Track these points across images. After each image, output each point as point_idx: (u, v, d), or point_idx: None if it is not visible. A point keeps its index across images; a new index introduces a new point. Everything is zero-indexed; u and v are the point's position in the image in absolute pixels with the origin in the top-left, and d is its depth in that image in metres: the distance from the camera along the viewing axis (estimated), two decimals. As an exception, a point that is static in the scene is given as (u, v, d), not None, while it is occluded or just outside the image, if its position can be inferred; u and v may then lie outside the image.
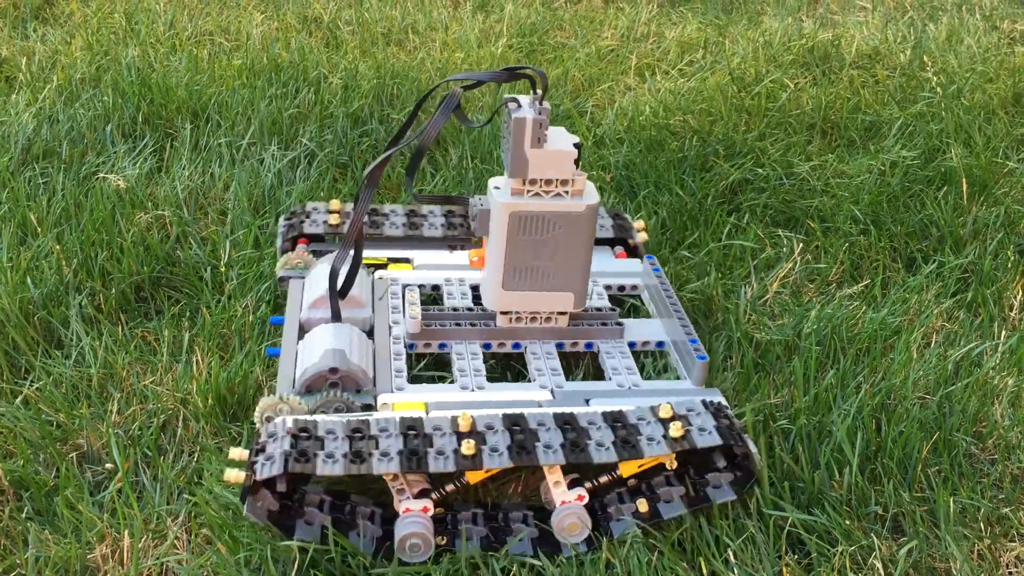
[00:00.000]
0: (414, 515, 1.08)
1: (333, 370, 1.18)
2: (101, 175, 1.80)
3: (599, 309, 1.41)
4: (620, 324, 1.38)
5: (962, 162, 1.91)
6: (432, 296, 1.52)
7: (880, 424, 1.28)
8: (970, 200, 1.82)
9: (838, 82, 2.41)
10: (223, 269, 1.56)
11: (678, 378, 1.34)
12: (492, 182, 1.31)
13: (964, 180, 1.83)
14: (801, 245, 1.71)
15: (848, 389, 1.35)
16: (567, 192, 1.26)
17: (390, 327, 1.36)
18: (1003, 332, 1.49)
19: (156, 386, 1.33)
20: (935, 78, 2.43)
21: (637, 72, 2.57)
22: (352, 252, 1.27)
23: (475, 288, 1.48)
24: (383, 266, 1.51)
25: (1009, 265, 1.64)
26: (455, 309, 1.39)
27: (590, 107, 2.29)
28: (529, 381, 1.31)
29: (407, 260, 1.52)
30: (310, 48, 2.53)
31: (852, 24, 2.91)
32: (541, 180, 1.25)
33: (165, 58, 2.39)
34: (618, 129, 2.12)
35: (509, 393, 1.25)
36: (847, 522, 1.15)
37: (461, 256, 1.55)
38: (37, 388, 1.31)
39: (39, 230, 1.64)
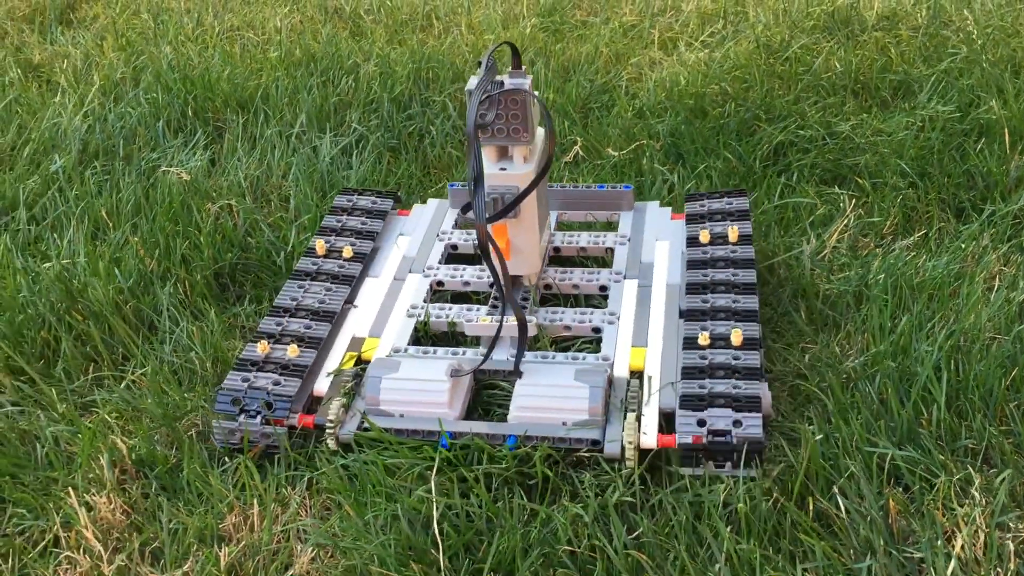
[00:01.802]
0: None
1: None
2: (163, 168, 1.83)
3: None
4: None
5: (1001, 113, 1.95)
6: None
7: (958, 364, 1.33)
8: (1012, 149, 1.87)
9: (864, 44, 2.45)
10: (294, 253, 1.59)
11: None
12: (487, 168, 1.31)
13: (1007, 132, 1.87)
14: (853, 201, 1.75)
15: (923, 332, 1.39)
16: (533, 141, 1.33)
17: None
18: (1062, 272, 1.54)
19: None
20: (955, 36, 2.47)
21: (660, 46, 2.61)
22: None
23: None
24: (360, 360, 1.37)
25: (1060, 208, 1.69)
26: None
27: (625, 80, 2.33)
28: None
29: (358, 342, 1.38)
30: (338, 39, 2.56)
31: (865, -12, 2.96)
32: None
33: (199, 55, 2.42)
34: (659, 98, 2.16)
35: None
36: (941, 456, 1.19)
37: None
38: (142, 373, 1.35)
39: (110, 225, 1.67)
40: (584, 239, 1.54)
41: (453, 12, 2.85)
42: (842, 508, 1.12)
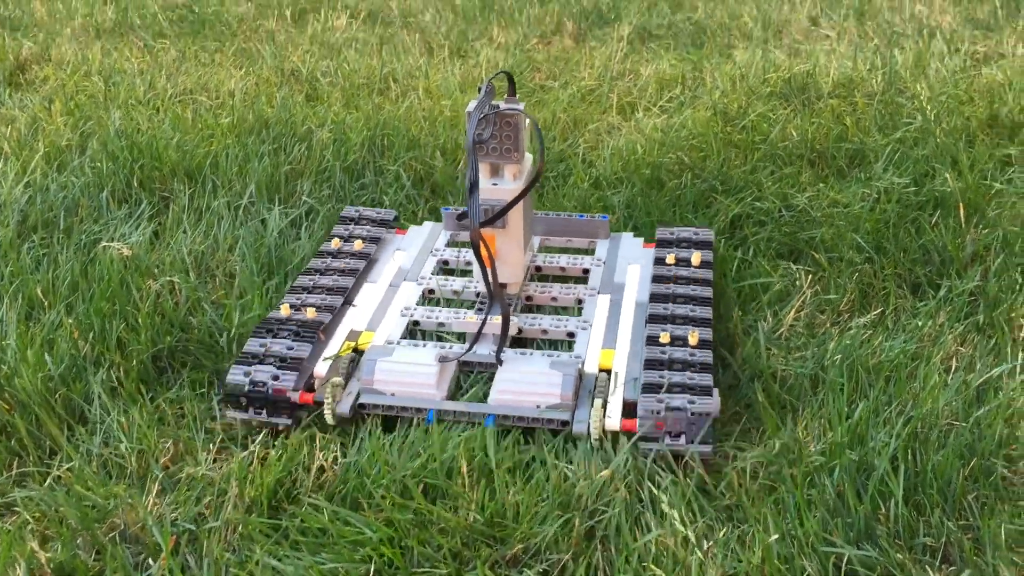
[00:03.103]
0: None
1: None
2: (104, 244, 1.77)
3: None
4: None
5: (955, 186, 1.95)
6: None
7: (916, 454, 1.30)
8: (967, 223, 1.87)
9: (819, 112, 2.46)
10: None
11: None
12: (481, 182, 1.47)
13: (962, 206, 1.87)
14: (809, 277, 1.73)
15: (880, 419, 1.36)
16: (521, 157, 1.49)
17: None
18: (1020, 354, 1.52)
19: (193, 468, 1.31)
20: (910, 103, 2.49)
21: (619, 110, 2.61)
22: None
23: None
24: (356, 349, 1.50)
25: (1017, 287, 1.67)
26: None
27: (581, 148, 2.31)
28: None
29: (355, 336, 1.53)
30: (293, 103, 2.53)
31: (821, 52, 2.98)
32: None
33: (149, 120, 2.37)
34: (615, 168, 2.14)
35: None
36: (899, 556, 1.15)
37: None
38: (68, 468, 1.28)
39: (46, 303, 1.61)
40: (564, 260, 1.72)
41: (411, 75, 2.84)
42: (798, 615, 1.08)
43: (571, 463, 1.29)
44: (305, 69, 2.82)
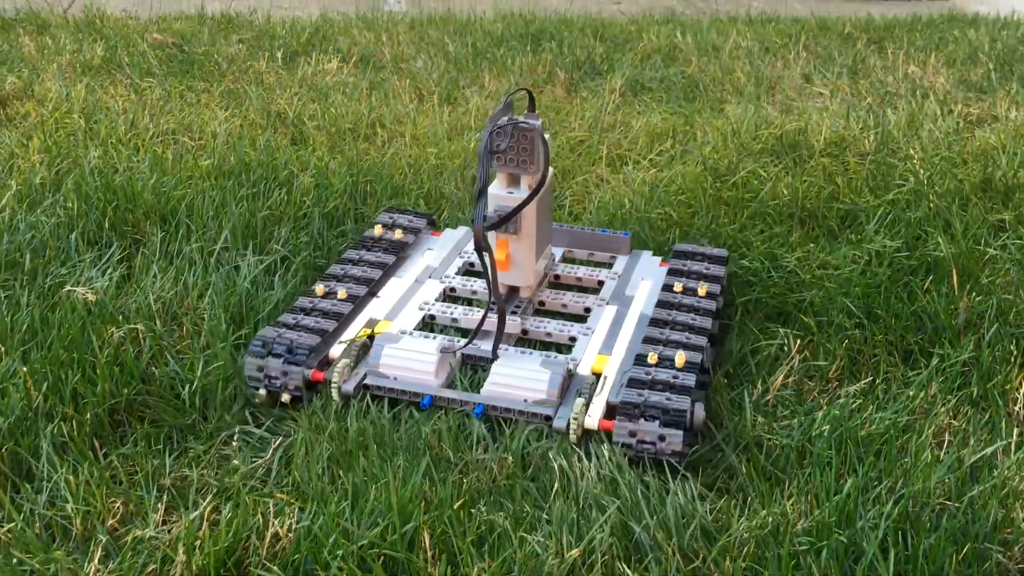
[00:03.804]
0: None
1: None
2: (68, 288, 1.71)
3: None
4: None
5: (948, 251, 1.91)
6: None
7: (906, 536, 1.23)
8: (960, 289, 1.82)
9: (811, 171, 2.42)
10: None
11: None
12: (492, 189, 1.59)
13: (955, 272, 1.82)
14: (798, 342, 1.68)
15: (869, 496, 1.30)
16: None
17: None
18: (1014, 430, 1.46)
19: (141, 530, 1.23)
20: (902, 164, 2.46)
21: (608, 163, 2.57)
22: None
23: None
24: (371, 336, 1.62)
25: (1012, 359, 1.62)
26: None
27: (568, 200, 2.27)
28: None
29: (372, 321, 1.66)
30: (277, 146, 2.49)
31: (813, 110, 2.96)
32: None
33: (128, 160, 2.32)
34: (601, 222, 2.09)
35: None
36: (888, 647, 1.08)
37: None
38: (8, 530, 1.21)
39: (2, 350, 1.54)
40: (581, 271, 1.83)
41: (399, 121, 2.80)
42: None
43: (545, 529, 1.21)
44: (292, 112, 2.78)
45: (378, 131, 2.71)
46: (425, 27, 4.12)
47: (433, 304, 1.70)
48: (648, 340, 1.55)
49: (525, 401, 1.41)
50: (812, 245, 2.04)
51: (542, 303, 1.73)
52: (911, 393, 1.55)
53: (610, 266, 1.88)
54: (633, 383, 1.42)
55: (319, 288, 1.66)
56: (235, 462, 1.35)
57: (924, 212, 2.15)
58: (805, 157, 2.52)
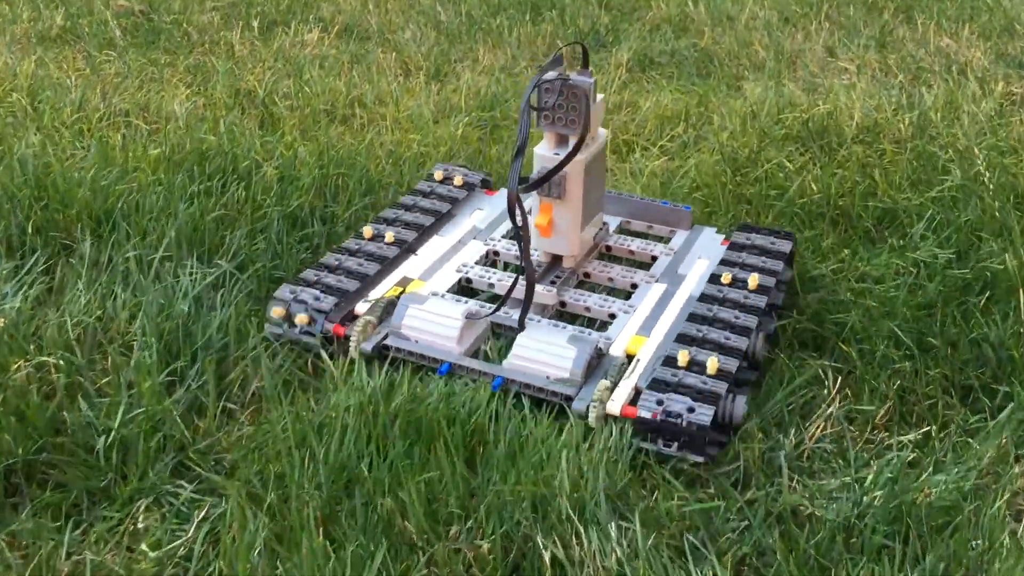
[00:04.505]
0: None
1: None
2: (-28, 310, 1.44)
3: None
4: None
5: (1010, 263, 1.63)
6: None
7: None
8: (1026, 312, 1.55)
9: (842, 161, 2.14)
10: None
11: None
12: (538, 149, 1.50)
13: (1021, 289, 1.55)
14: (838, 379, 1.41)
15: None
16: (598, 131, 1.52)
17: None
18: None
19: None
20: (943, 152, 2.18)
21: (613, 149, 2.29)
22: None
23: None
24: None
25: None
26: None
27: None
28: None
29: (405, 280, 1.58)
30: (242, 130, 2.21)
31: (840, 88, 2.67)
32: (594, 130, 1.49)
33: (71, 147, 2.05)
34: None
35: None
36: None
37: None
38: None
39: None
40: (635, 244, 1.69)
41: (380, 100, 2.52)
42: None
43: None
44: (262, 90, 2.50)
45: (357, 112, 2.43)
46: (416, -7, 3.82)
47: (472, 267, 1.61)
48: (680, 339, 1.41)
49: (547, 378, 1.33)
50: (847, 251, 1.77)
51: (587, 275, 1.62)
52: (977, 448, 1.28)
53: (668, 241, 1.73)
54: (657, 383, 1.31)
55: (367, 231, 1.64)
56: (143, 547, 1.10)
57: (974, 213, 1.87)
58: (835, 145, 2.24)
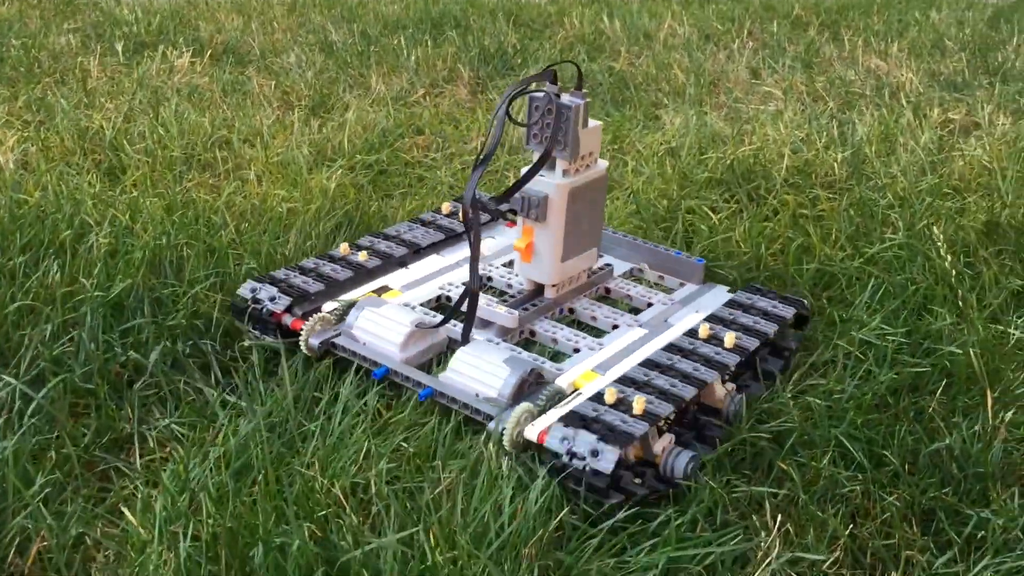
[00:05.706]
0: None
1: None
2: None
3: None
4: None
5: (967, 342, 1.39)
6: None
7: None
8: (993, 413, 1.30)
9: (773, 213, 1.90)
10: None
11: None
12: (525, 168, 1.41)
13: (988, 392, 1.30)
14: (779, 516, 1.14)
15: None
16: (594, 159, 1.45)
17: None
18: None
19: None
20: (880, 194, 1.95)
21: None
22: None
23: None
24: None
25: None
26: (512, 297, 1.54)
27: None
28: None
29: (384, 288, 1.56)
30: (76, 185, 1.87)
31: (766, 119, 2.43)
32: (585, 155, 1.42)
33: None
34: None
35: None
36: None
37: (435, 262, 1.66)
38: None
39: None
40: (636, 290, 1.60)
41: (249, 141, 2.19)
42: None
43: None
44: (111, 130, 2.16)
45: (220, 156, 2.10)
46: (308, 10, 3.49)
47: (457, 287, 1.58)
48: (623, 381, 1.31)
49: (476, 396, 1.29)
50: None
51: (571, 310, 1.56)
52: (950, 613, 1.03)
53: (672, 292, 1.64)
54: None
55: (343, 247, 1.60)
56: None
57: (922, 276, 1.64)
58: (763, 191, 1.99)
